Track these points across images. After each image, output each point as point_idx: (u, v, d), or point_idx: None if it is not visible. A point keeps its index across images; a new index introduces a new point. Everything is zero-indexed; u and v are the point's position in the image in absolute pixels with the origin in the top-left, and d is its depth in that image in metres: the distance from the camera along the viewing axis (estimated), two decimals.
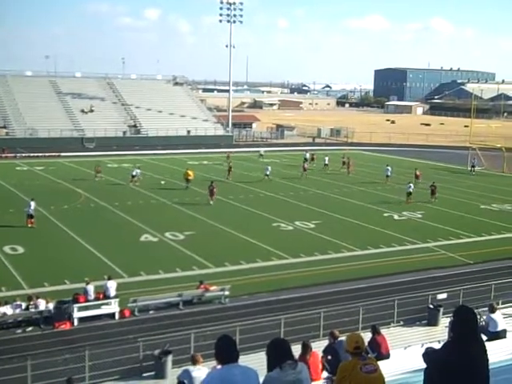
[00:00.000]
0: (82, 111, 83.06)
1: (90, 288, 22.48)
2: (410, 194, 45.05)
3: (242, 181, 52.00)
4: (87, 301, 22.14)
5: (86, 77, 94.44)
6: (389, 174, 53.75)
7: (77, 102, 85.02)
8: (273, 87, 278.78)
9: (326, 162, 60.51)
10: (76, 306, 21.64)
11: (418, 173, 52.86)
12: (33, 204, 34.83)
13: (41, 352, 18.03)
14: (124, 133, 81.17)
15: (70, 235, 32.99)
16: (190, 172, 49.06)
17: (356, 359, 6.69)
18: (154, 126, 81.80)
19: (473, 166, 62.44)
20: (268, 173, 53.08)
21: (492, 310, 17.06)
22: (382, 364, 7.03)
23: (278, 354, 5.94)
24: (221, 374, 5.56)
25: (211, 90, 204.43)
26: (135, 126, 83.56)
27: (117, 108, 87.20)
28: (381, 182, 53.24)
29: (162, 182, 50.24)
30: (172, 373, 15.96)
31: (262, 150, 69.95)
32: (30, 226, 34.14)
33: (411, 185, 45.73)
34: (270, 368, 6.00)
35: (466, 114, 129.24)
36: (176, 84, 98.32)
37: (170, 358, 16.60)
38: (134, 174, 49.67)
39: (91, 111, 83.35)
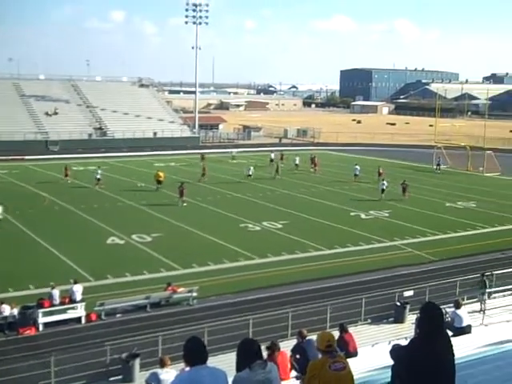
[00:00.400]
0: (46, 114, 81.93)
1: (56, 292, 22.16)
2: (383, 190, 46.04)
3: (210, 182, 51.81)
4: (52, 305, 21.81)
5: (50, 79, 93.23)
6: (357, 173, 54.45)
7: (41, 105, 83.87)
8: (239, 88, 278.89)
9: (297, 162, 60.85)
10: (41, 311, 21.31)
11: (381, 171, 53.91)
12: (0, 209, 34.33)
13: (5, 358, 17.71)
14: (89, 135, 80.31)
15: (34, 239, 32.48)
16: (160, 173, 48.73)
17: (325, 357, 6.70)
18: (120, 128, 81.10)
19: (438, 165, 63.30)
20: (250, 173, 53.59)
21: (457, 305, 17.26)
22: (349, 362, 7.04)
23: (248, 354, 5.92)
24: (189, 376, 5.52)
25: (177, 92, 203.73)
26: (101, 128, 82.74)
27: (82, 110, 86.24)
28: (348, 182, 53.67)
29: (139, 185, 49.82)
30: (140, 376, 15.83)
31: (234, 151, 70.32)
32: None
33: (385, 182, 46.52)
34: (239, 368, 5.97)
35: (430, 114, 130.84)
36: (142, 86, 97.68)
37: (137, 362, 16.45)
38: (98, 177, 49.15)
39: (55, 114, 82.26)
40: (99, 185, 48.49)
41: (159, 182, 47.86)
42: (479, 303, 20.91)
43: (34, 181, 51.22)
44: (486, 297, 20.89)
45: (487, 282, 22.44)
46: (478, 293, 21.91)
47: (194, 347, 5.67)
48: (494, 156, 63.41)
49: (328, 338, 6.92)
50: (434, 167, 63.54)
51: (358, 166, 54.96)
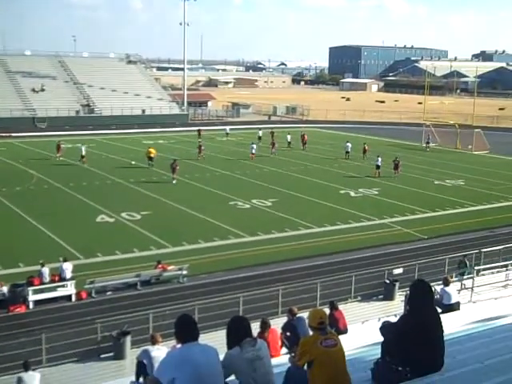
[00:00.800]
0: (33, 90, 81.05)
1: (45, 270, 22.11)
2: (378, 167, 46.29)
3: (199, 159, 51.65)
4: (42, 283, 21.79)
5: (36, 55, 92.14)
6: (349, 150, 54.62)
7: (27, 81, 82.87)
8: (228, 65, 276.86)
9: (289, 140, 60.79)
10: (31, 288, 21.31)
11: (366, 147, 54.02)
12: None
13: None
14: (77, 112, 79.66)
15: (23, 217, 32.33)
16: (151, 150, 48.56)
17: (317, 334, 6.73)
18: (108, 105, 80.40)
19: (427, 143, 63.42)
20: (254, 151, 53.38)
21: (446, 283, 17.38)
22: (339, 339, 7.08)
23: (238, 332, 5.94)
24: (181, 353, 5.53)
25: (165, 69, 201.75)
26: (88, 105, 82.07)
27: (69, 87, 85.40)
28: (337, 159, 53.77)
29: (133, 163, 49.62)
30: (131, 353, 15.85)
31: (227, 128, 70.24)
32: None
33: (379, 158, 46.54)
34: (230, 346, 6.00)
35: (419, 91, 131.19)
36: (129, 62, 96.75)
37: (128, 339, 16.47)
38: (83, 153, 48.97)
39: (42, 90, 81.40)
40: (82, 161, 48.33)
41: (150, 159, 47.65)
42: (460, 282, 21.09)
43: (21, 158, 50.88)
44: (474, 274, 21.02)
45: (468, 263, 22.66)
46: (458, 272, 22.15)
47: (185, 324, 5.68)
48: (482, 134, 63.58)
49: (320, 315, 6.96)
50: (424, 145, 63.66)
51: (349, 144, 55.05)
